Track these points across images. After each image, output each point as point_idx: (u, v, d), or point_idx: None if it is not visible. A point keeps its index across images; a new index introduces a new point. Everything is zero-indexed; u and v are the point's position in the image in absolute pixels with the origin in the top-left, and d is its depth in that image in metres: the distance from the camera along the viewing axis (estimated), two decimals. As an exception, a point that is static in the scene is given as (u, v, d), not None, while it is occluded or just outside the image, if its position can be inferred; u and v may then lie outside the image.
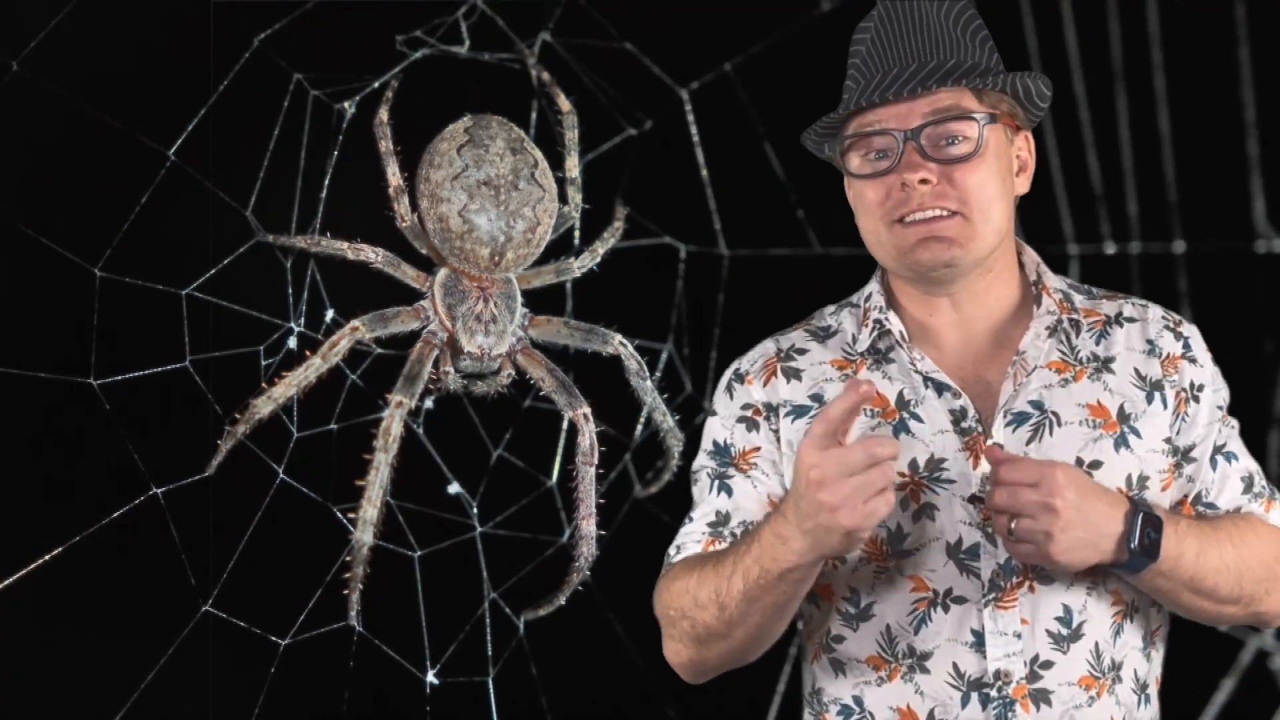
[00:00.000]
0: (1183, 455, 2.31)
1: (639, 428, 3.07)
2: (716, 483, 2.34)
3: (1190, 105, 3.63)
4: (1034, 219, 2.44)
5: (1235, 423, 2.37)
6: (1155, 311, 2.35)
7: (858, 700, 2.28)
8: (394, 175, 2.74)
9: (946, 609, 2.23)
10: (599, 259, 2.90)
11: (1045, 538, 2.12)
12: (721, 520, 2.33)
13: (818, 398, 2.33)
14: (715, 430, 2.38)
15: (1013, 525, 2.14)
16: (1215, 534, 2.24)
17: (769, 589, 2.17)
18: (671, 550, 2.37)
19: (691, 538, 2.34)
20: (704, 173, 3.39)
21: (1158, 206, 3.69)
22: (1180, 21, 3.60)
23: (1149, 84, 3.62)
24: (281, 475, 2.77)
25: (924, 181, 2.22)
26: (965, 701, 2.22)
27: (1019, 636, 2.22)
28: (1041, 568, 2.22)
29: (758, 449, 2.33)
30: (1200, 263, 3.69)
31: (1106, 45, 3.61)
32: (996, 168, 2.26)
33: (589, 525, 2.78)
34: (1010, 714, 2.21)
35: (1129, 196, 3.67)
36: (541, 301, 2.88)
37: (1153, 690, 2.32)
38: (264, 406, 2.65)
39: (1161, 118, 3.63)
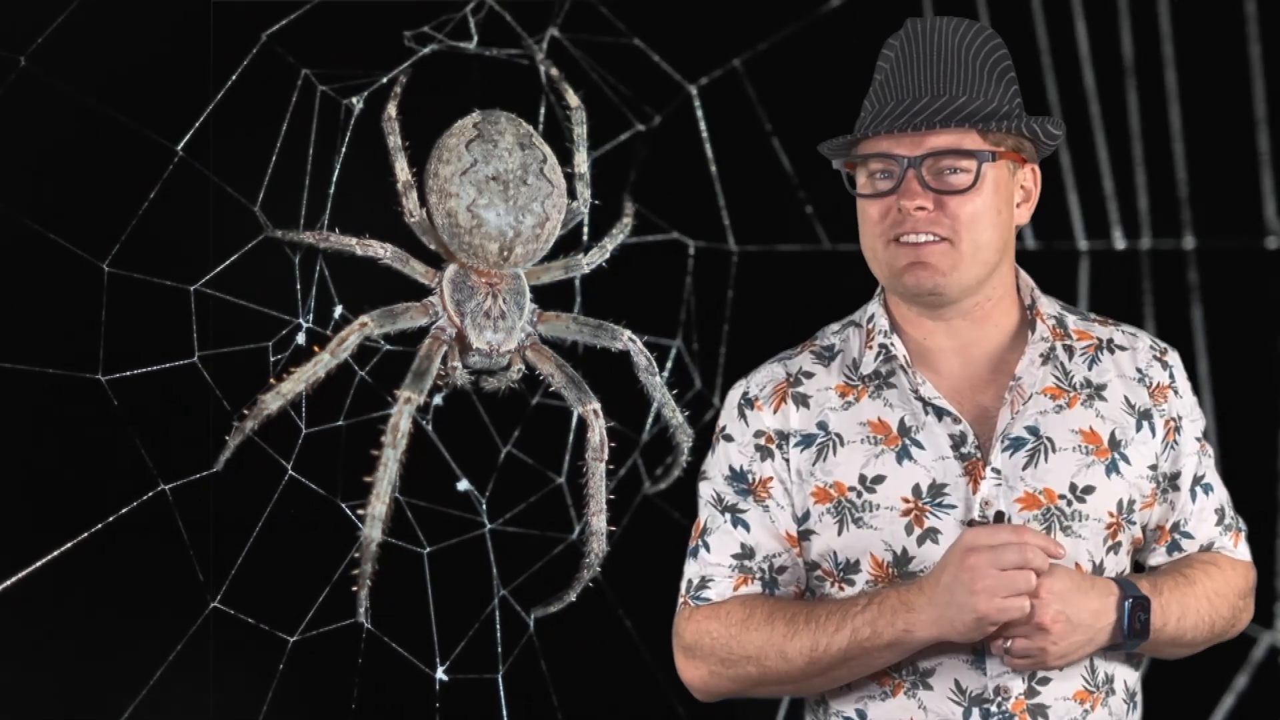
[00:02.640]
0: (1168, 482, 2.38)
1: (648, 423, 3.07)
2: (730, 516, 2.36)
3: (1201, 101, 3.63)
4: (1045, 215, 2.44)
5: (1211, 451, 2.45)
6: (1144, 341, 2.41)
7: (861, 714, 2.31)
8: (402, 170, 2.73)
9: None
10: (608, 254, 2.90)
11: (1041, 653, 2.20)
12: (746, 554, 2.35)
13: (823, 425, 2.35)
14: (733, 455, 2.38)
15: (1008, 645, 2.21)
16: (1192, 591, 2.34)
17: (873, 653, 2.23)
18: (693, 579, 2.37)
19: (720, 573, 2.35)
20: (713, 169, 3.39)
21: (1168, 202, 3.68)
22: (1191, 17, 3.60)
23: (1159, 79, 3.62)
24: (290, 471, 2.77)
25: (920, 209, 2.29)
26: (967, 716, 2.26)
27: None
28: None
29: (772, 478, 2.35)
30: (1211, 259, 3.69)
31: (1117, 41, 3.61)
32: (993, 200, 2.32)
33: (599, 522, 2.78)
34: None
35: (1139, 192, 3.67)
36: (550, 297, 2.88)
37: (1139, 696, 2.38)
38: (272, 402, 2.65)
39: (1172, 113, 3.63)
